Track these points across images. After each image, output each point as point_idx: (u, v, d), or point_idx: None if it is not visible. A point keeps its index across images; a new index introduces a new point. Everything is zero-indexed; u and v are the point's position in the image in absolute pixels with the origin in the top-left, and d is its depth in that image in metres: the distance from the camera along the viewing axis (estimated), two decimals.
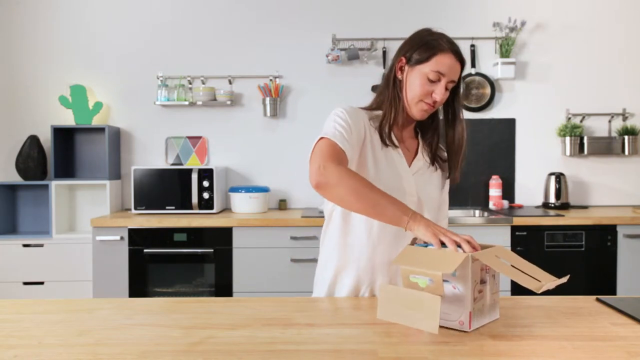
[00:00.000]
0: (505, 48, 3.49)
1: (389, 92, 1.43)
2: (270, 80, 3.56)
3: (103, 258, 3.07)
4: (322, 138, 1.33)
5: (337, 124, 1.35)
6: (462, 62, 1.39)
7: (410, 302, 1.07)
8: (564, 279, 1.14)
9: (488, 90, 3.58)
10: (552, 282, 1.10)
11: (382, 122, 1.42)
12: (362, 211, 1.26)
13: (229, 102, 3.54)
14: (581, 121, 3.59)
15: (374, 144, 1.42)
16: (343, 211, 1.44)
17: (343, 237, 1.45)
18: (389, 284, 1.12)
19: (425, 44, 1.38)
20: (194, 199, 3.25)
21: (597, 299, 1.35)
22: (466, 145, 1.46)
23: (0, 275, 3.22)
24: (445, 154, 1.52)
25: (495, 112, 3.63)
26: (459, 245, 1.13)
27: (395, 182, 1.41)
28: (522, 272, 1.11)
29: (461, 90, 1.45)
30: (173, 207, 3.25)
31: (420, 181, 1.46)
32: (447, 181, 1.56)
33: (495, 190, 3.48)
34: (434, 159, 1.50)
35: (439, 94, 1.36)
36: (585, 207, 3.50)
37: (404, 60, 1.41)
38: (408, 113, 1.43)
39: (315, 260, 2.85)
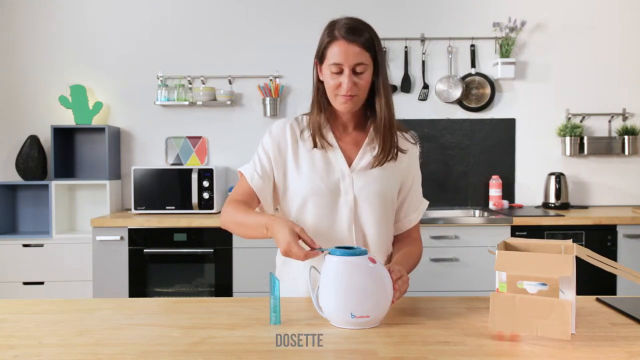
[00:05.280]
0: (505, 48, 3.49)
1: (314, 96, 1.45)
2: (270, 80, 3.56)
3: (103, 258, 3.07)
4: (240, 173, 1.47)
5: (256, 155, 1.48)
6: (358, 41, 1.35)
7: (533, 309, 1.03)
8: None
9: (488, 90, 3.58)
10: None
11: (310, 126, 1.44)
12: (244, 235, 1.42)
13: (229, 102, 3.54)
14: (581, 121, 3.59)
15: (307, 149, 1.44)
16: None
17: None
18: (499, 293, 1.07)
19: (321, 41, 1.41)
20: (194, 199, 3.24)
21: (597, 299, 1.35)
22: (392, 122, 1.42)
23: (0, 275, 3.22)
24: (405, 146, 1.48)
25: (495, 112, 3.63)
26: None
27: (330, 183, 1.42)
28: (619, 268, 1.09)
29: (381, 64, 1.39)
30: (173, 207, 3.25)
31: (363, 179, 1.43)
32: (414, 171, 1.52)
33: (495, 190, 3.48)
34: (387, 153, 1.43)
35: (345, 82, 1.35)
36: (585, 207, 3.50)
37: (317, 63, 1.44)
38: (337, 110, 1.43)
39: None
